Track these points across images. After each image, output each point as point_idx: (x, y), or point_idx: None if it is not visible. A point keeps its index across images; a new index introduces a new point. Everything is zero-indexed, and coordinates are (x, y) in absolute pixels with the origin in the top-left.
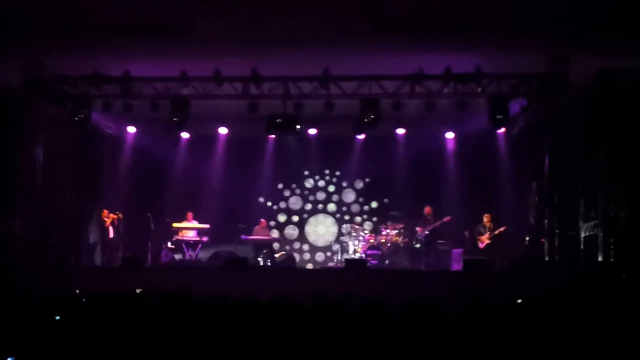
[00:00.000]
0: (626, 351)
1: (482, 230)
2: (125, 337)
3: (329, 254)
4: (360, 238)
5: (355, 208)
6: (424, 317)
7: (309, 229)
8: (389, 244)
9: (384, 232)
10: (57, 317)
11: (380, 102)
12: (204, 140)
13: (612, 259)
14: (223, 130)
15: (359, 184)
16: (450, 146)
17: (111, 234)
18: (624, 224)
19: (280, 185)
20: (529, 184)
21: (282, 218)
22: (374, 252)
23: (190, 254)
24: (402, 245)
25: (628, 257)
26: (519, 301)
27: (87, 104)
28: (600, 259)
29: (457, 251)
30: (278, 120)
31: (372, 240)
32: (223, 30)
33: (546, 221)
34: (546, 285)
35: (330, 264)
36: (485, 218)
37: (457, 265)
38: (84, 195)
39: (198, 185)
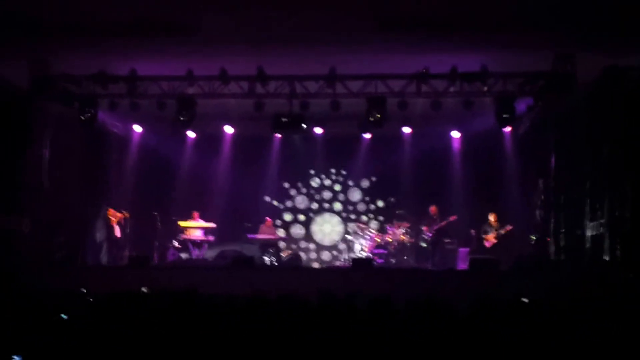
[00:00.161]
0: (633, 351)
1: (488, 229)
2: (132, 336)
3: (335, 252)
4: (367, 237)
5: (361, 207)
6: (430, 316)
7: (315, 227)
8: (395, 243)
9: (390, 231)
10: (64, 316)
11: (386, 101)
12: (210, 139)
13: (618, 258)
14: (229, 129)
15: (365, 183)
16: (456, 145)
17: (117, 233)
18: (630, 223)
19: (286, 184)
20: (535, 183)
21: (288, 217)
22: (380, 251)
23: (196, 253)
24: (408, 244)
25: (634, 256)
26: (525, 300)
27: (93, 103)
28: (606, 258)
29: (463, 250)
30: (284, 119)
31: (378, 239)
32: (229, 29)
33: (552, 220)
34: (552, 284)
35: (337, 263)
36: (492, 217)
37: (463, 264)
38: (90, 194)
39: (204, 184)
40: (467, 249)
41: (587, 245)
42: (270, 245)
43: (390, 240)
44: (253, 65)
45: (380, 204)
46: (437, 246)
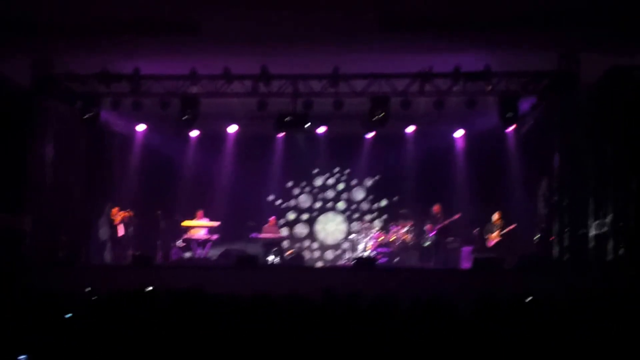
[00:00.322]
0: (634, 351)
1: (491, 228)
2: (136, 335)
3: (338, 252)
4: (370, 236)
5: (364, 206)
6: (433, 315)
7: (318, 227)
8: (398, 242)
9: (393, 230)
10: (68, 315)
11: (389, 100)
12: (214, 138)
13: (621, 258)
14: (232, 128)
15: (369, 182)
16: (460, 144)
17: (121, 232)
18: (634, 223)
19: (289, 183)
20: (538, 182)
21: (291, 216)
22: (384, 250)
23: (200, 252)
24: (411, 243)
25: (638, 256)
26: (529, 299)
27: (96, 102)
28: (609, 257)
29: (466, 249)
30: (287, 118)
31: (381, 238)
32: (232, 28)
33: (556, 219)
34: (555, 283)
35: (340, 262)
36: (495, 216)
37: (466, 263)
38: (93, 194)
39: (207, 183)
40: (470, 248)
41: (591, 244)
42: (273, 245)
43: (394, 239)
44: (257, 65)
45: (383, 203)
46: (440, 245)
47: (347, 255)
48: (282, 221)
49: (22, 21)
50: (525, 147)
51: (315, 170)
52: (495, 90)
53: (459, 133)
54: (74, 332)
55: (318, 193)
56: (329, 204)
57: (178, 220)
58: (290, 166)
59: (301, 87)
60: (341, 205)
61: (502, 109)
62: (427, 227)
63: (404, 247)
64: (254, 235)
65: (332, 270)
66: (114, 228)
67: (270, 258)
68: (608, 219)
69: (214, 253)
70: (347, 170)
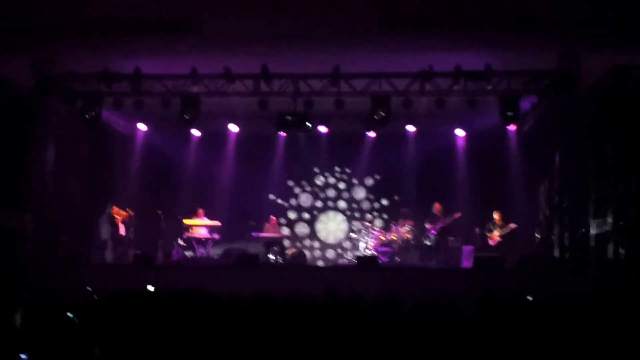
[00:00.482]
0: (637, 350)
1: (492, 227)
2: (137, 335)
3: (339, 251)
4: (371, 235)
5: (365, 205)
6: (435, 315)
7: (319, 226)
8: (399, 241)
9: (394, 229)
10: (69, 315)
11: (390, 100)
12: (215, 138)
13: (622, 256)
14: (233, 128)
15: (369, 181)
16: (461, 143)
17: (122, 232)
18: (635, 222)
19: (290, 183)
20: (539, 181)
21: (292, 215)
22: (385, 249)
23: (201, 251)
24: (412, 242)
25: (638, 256)
26: (529, 298)
27: (98, 102)
28: (610, 256)
29: (467, 248)
30: (288, 117)
31: (382, 238)
32: (233, 27)
33: (556, 219)
34: (556, 282)
35: (341, 261)
36: (496, 215)
37: (467, 263)
38: (94, 193)
39: (209, 182)
40: (471, 247)
41: (592, 244)
42: (274, 244)
43: (395, 238)
44: (257, 64)
45: (384, 202)
46: (441, 244)
47: (349, 255)
48: (283, 220)
49: (22, 21)
50: (526, 146)
51: (316, 170)
52: (495, 90)
53: (460, 133)
54: (75, 332)
55: (319, 192)
56: (330, 203)
57: (179, 219)
58: (291, 165)
59: (302, 86)
60: (342, 204)
61: (503, 108)
62: (428, 226)
63: (405, 246)
64: (255, 234)
65: (334, 269)
66: (115, 227)
67: (272, 257)
68: (608, 219)
69: (215, 252)
70: (348, 170)
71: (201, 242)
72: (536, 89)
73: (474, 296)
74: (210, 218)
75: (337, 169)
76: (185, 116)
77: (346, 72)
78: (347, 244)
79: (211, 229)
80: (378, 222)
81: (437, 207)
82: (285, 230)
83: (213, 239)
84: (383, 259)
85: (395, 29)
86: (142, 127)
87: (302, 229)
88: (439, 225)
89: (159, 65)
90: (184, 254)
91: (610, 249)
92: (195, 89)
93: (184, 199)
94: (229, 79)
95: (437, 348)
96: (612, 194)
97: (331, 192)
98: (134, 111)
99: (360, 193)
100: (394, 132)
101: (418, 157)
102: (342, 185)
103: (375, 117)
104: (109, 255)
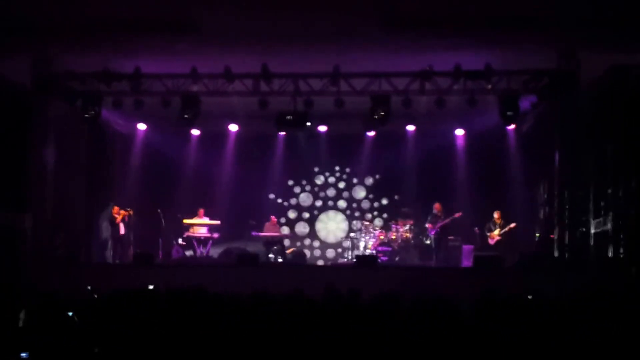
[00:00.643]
0: (637, 350)
1: (492, 227)
2: (137, 334)
3: (339, 250)
4: (371, 234)
5: (365, 205)
6: (434, 314)
7: (319, 225)
8: (399, 241)
9: (394, 229)
10: (69, 314)
11: (390, 99)
12: (215, 137)
13: (622, 255)
14: (233, 127)
15: (369, 181)
16: (460, 143)
17: (122, 231)
18: (634, 220)
19: (290, 182)
20: (539, 181)
21: (292, 214)
22: (385, 248)
23: (201, 250)
24: (412, 241)
25: (638, 253)
26: (529, 297)
27: (97, 101)
28: (610, 255)
29: (467, 247)
30: (288, 117)
31: (382, 237)
32: (233, 27)
33: (556, 218)
34: (555, 281)
35: (341, 261)
36: (496, 215)
37: (467, 262)
38: (94, 192)
39: (209, 182)
40: (471, 246)
41: (591, 242)
42: (274, 243)
43: (395, 237)
44: (257, 63)
45: (384, 201)
46: (441, 243)
47: (348, 254)
48: (283, 220)
49: (22, 21)
50: (526, 146)
51: (316, 169)
52: (495, 89)
53: (460, 132)
54: (75, 331)
55: (319, 192)
56: (330, 203)
57: (179, 218)
58: (291, 165)
59: (302, 85)
60: (342, 203)
61: (503, 107)
62: (428, 225)
63: (404, 245)
64: (255, 233)
65: (334, 268)
66: (115, 226)
67: (272, 256)
68: (608, 218)
69: (215, 251)
70: (348, 169)
71: (201, 241)
72: (536, 88)
73: (474, 295)
74: (210, 217)
75: (337, 168)
76: (185, 116)
77: (346, 72)
78: (346, 244)
79: (211, 228)
80: (378, 222)
81: (437, 206)
82: (285, 230)
83: (213, 238)
84: (383, 258)
85: (396, 28)
86: (141, 126)
87: (302, 228)
88: (439, 224)
89: (159, 64)
90: (184, 253)
91: (610, 248)
92: (195, 88)
93: (184, 198)
94: (229, 79)
95: (436, 347)
96: (611, 194)
97: (331, 192)
98: (134, 110)
99: (360, 192)
100: (394, 131)
101: (418, 157)
102: (342, 185)
103: (375, 116)
104: (109, 255)
